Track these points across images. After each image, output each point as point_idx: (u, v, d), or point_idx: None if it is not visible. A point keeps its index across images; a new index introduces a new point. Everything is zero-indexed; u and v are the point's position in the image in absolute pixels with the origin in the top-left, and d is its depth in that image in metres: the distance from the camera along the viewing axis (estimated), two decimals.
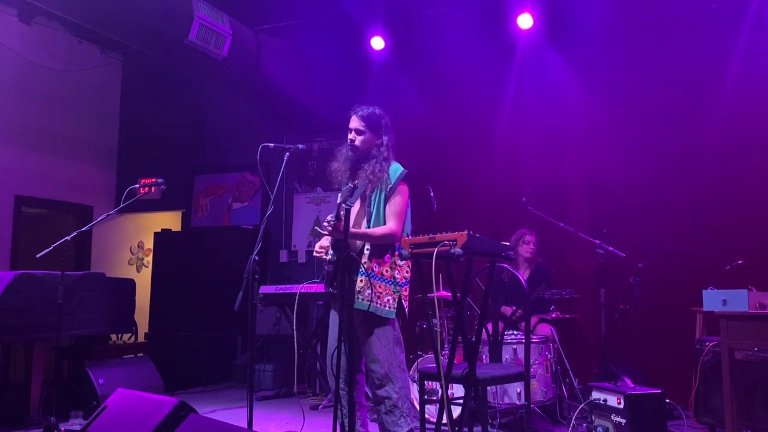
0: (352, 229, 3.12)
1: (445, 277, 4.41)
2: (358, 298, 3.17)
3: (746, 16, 5.25)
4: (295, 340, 3.93)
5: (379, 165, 3.30)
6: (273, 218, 7.25)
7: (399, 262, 3.26)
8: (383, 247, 3.26)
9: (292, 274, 7.11)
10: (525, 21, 5.81)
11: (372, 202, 3.31)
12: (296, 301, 4.02)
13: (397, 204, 3.28)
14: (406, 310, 3.32)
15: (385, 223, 3.27)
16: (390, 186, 3.30)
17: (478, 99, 6.27)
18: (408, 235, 3.28)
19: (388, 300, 3.22)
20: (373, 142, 3.36)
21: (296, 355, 4.15)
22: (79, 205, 7.76)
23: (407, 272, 3.29)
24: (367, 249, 3.24)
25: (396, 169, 3.36)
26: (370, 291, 3.18)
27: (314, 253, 3.41)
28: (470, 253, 2.75)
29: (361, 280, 3.19)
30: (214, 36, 5.33)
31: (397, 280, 3.25)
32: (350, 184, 3.16)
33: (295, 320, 4.31)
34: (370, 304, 3.16)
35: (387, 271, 3.25)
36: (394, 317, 3.24)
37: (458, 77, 6.33)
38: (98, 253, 7.99)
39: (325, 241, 3.39)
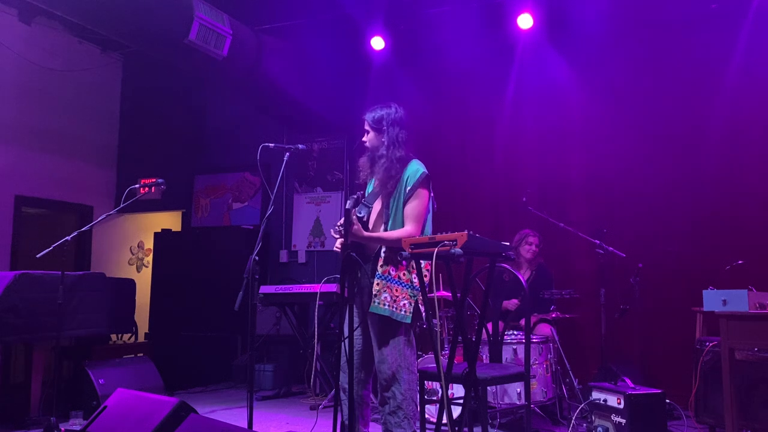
0: (366, 234, 3.16)
1: (445, 277, 4.41)
2: (374, 302, 3.17)
3: (746, 16, 5.24)
4: (316, 337, 3.94)
5: (389, 165, 3.28)
6: (273, 218, 7.25)
7: (414, 264, 3.23)
8: (399, 249, 3.21)
9: (292, 274, 7.11)
10: (525, 21, 5.81)
11: (390, 205, 3.30)
12: (317, 299, 4.05)
13: (415, 207, 3.25)
14: (423, 314, 3.25)
15: (402, 226, 3.25)
16: (409, 188, 3.27)
17: (478, 99, 6.27)
18: None
19: (404, 304, 3.19)
20: (378, 140, 3.37)
21: (315, 353, 4.16)
22: (79, 205, 7.76)
23: (425, 276, 3.21)
24: (384, 252, 3.22)
25: (416, 170, 3.31)
26: (386, 294, 3.17)
27: (335, 248, 3.39)
28: (470, 253, 2.74)
29: (378, 284, 3.17)
30: (214, 36, 5.32)
31: (414, 284, 3.20)
32: (355, 195, 3.22)
33: (316, 318, 4.25)
34: (380, 306, 3.16)
35: (404, 274, 3.22)
36: (408, 322, 3.20)
37: (458, 77, 6.34)
38: (98, 253, 7.99)
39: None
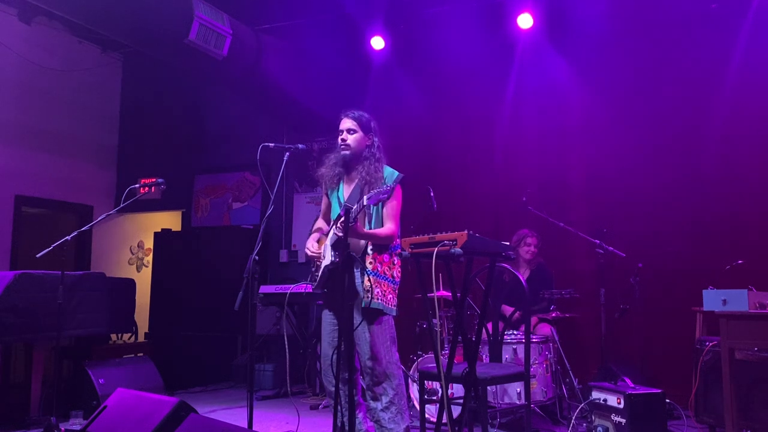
0: (364, 230, 3.24)
1: (445, 276, 4.41)
2: (367, 297, 3.22)
3: (746, 16, 5.24)
4: (285, 339, 3.97)
5: (373, 166, 3.38)
6: (273, 218, 7.25)
7: (394, 261, 3.37)
8: (383, 247, 3.34)
9: (292, 273, 7.11)
10: (525, 21, 5.81)
11: (371, 205, 3.33)
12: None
13: (394, 207, 3.39)
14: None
15: (382, 224, 3.36)
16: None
17: (478, 99, 6.27)
18: (399, 237, 3.35)
19: (391, 298, 3.31)
20: (364, 142, 3.43)
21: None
22: (80, 205, 7.77)
23: (399, 270, 3.40)
24: (371, 249, 3.31)
25: (392, 172, 3.44)
26: (378, 290, 3.26)
27: (309, 252, 3.42)
28: (470, 252, 2.75)
29: (369, 280, 3.24)
30: (214, 36, 5.33)
31: (395, 278, 3.36)
32: (356, 206, 3.21)
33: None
34: (374, 301, 3.22)
35: (387, 269, 3.34)
36: (395, 315, 3.33)
37: (458, 77, 6.33)
38: (98, 253, 7.99)
39: (315, 243, 3.43)
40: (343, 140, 3.43)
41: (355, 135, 3.42)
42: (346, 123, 3.44)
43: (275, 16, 6.58)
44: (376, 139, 3.46)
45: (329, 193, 3.57)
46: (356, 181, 3.42)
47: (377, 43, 6.36)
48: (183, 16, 5.09)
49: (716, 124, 5.31)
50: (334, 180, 3.51)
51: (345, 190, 3.48)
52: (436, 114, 6.44)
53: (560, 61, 5.89)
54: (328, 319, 3.45)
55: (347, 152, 3.43)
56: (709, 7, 5.36)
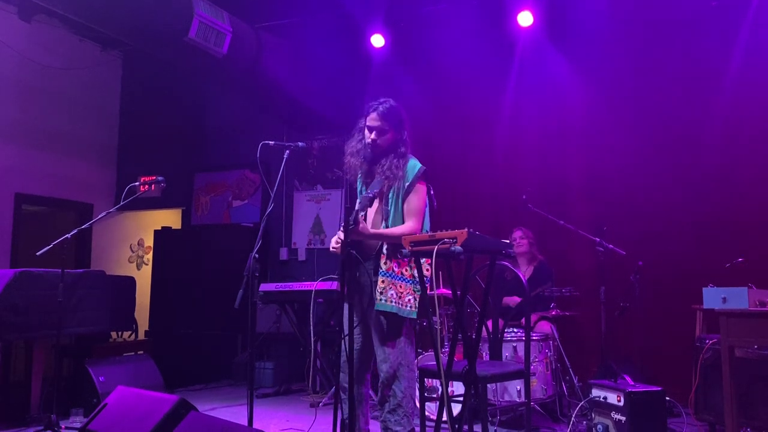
0: (371, 231, 3.12)
1: (446, 274, 4.41)
2: (380, 300, 3.14)
3: (746, 15, 5.24)
4: (312, 334, 3.94)
5: (396, 161, 3.22)
6: (273, 216, 7.25)
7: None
8: (401, 246, 3.17)
9: (292, 271, 7.12)
10: (525, 19, 5.81)
11: (389, 201, 3.26)
12: (316, 297, 3.98)
13: (414, 202, 3.22)
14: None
15: (403, 222, 3.22)
16: (408, 184, 3.23)
17: (478, 97, 6.27)
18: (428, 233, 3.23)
19: (409, 300, 3.17)
20: (393, 139, 3.27)
21: (314, 351, 4.10)
22: (80, 203, 7.77)
23: (427, 270, 3.17)
24: (386, 249, 3.20)
25: (414, 165, 3.26)
26: (392, 291, 3.15)
27: (331, 249, 3.35)
28: (470, 250, 2.74)
29: (383, 281, 3.15)
30: (213, 34, 5.32)
31: (416, 279, 3.18)
32: (369, 194, 3.09)
33: (314, 316, 4.24)
34: (386, 303, 3.13)
35: (407, 270, 3.20)
36: (414, 317, 3.18)
37: (458, 75, 6.33)
38: (98, 251, 8.00)
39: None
40: (374, 140, 3.24)
41: (386, 135, 3.24)
42: (376, 120, 3.23)
43: (275, 13, 6.58)
44: (405, 133, 3.28)
45: (358, 183, 3.45)
46: (377, 176, 3.27)
47: (377, 40, 6.35)
48: (183, 14, 5.08)
49: (716, 122, 5.31)
50: (364, 174, 3.36)
51: (368, 184, 3.37)
52: (436, 112, 6.43)
53: (560, 59, 5.88)
54: (347, 313, 3.39)
55: (374, 152, 3.27)
56: (709, 5, 5.35)
